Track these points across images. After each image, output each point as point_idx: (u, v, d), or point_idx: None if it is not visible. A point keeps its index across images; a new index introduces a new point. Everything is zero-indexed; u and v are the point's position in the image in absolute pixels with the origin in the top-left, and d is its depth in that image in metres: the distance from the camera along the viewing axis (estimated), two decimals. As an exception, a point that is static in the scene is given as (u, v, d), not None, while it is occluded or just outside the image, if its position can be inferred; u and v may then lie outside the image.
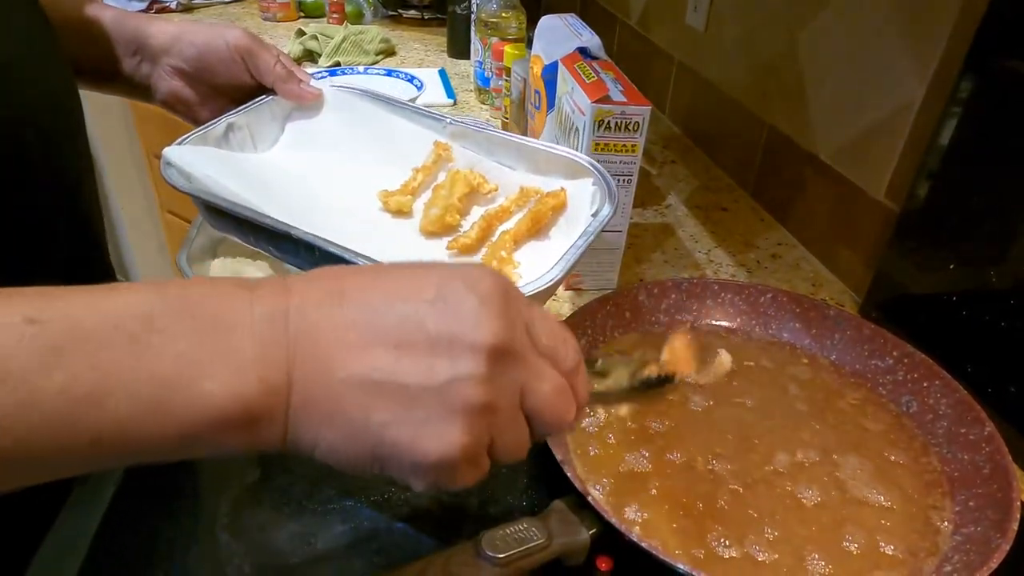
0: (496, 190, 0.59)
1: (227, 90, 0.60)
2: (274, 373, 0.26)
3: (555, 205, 0.54)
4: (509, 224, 0.55)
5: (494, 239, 0.53)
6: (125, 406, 0.23)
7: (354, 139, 0.62)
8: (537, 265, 0.50)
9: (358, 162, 0.61)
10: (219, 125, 0.56)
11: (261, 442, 0.26)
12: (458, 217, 0.56)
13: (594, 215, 0.53)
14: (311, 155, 0.61)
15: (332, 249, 0.44)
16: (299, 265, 0.51)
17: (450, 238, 0.54)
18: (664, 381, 0.48)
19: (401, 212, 0.58)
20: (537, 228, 0.55)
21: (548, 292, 0.45)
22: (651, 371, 0.46)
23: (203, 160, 0.51)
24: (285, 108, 0.62)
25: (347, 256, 0.44)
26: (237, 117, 0.57)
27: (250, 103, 0.59)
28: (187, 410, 0.24)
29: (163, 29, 0.59)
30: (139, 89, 0.60)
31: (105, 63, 0.58)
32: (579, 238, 0.48)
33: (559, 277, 0.45)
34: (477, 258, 0.53)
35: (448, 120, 0.62)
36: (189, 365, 0.24)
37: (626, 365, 0.45)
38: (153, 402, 0.24)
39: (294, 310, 0.27)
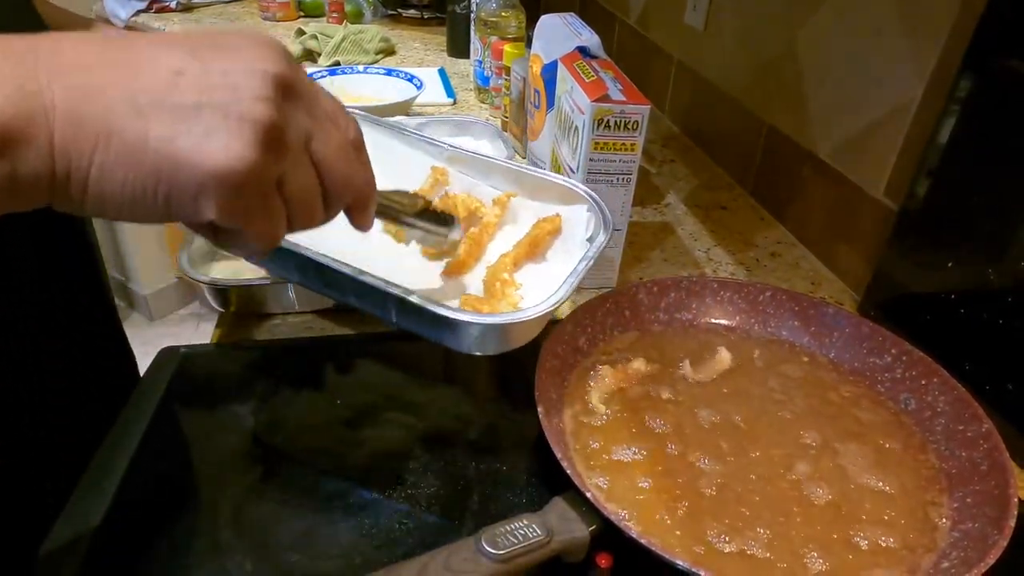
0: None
1: None
2: (24, 95, 0.24)
3: (551, 229, 0.56)
4: (507, 247, 0.56)
5: (493, 262, 0.54)
6: None
7: None
8: (537, 287, 0.52)
9: None
10: None
11: (27, 171, 0.24)
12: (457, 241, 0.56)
13: (589, 239, 0.54)
14: None
15: (343, 269, 0.45)
16: (303, 284, 0.51)
17: (445, 262, 0.55)
18: (445, 218, 0.49)
19: (401, 235, 0.58)
20: (535, 252, 0.56)
21: (550, 314, 0.46)
22: (434, 206, 0.48)
23: None
24: None
25: (356, 276, 0.45)
26: None
27: None
28: None
29: None
30: None
31: None
32: (580, 262, 0.50)
33: (564, 298, 0.46)
34: (476, 279, 0.54)
35: (445, 145, 0.63)
36: None
37: (407, 197, 0.46)
38: None
39: (46, 48, 0.25)
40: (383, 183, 0.60)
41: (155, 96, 0.25)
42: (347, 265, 0.45)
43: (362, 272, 0.45)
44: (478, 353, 0.45)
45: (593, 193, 0.57)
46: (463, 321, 0.43)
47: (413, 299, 0.44)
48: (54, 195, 0.26)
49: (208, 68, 0.26)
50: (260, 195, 0.27)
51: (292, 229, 0.30)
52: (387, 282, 0.45)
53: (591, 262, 0.50)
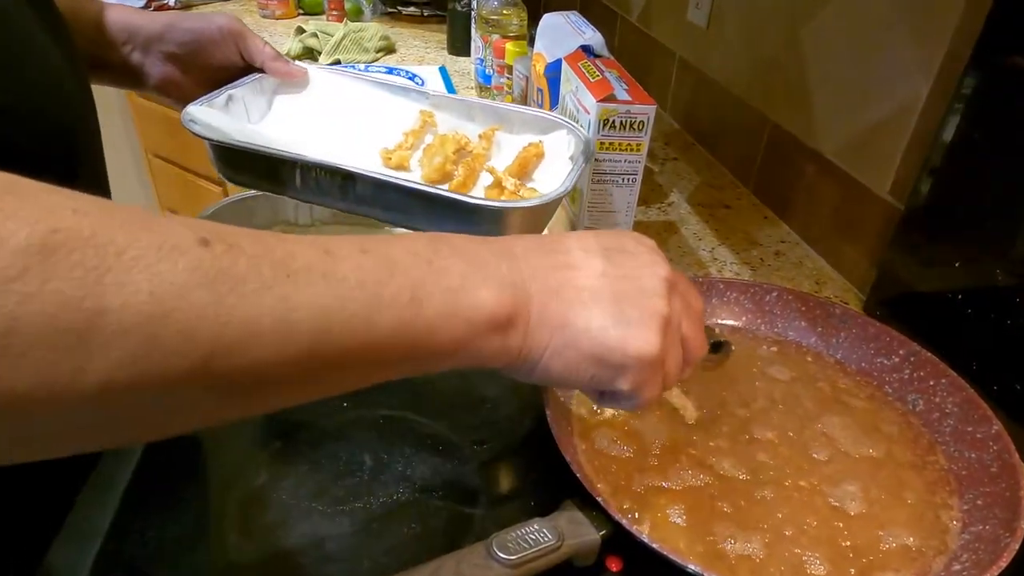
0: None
1: (217, 72, 0.65)
2: (521, 288, 0.32)
3: (536, 153, 0.64)
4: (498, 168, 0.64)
5: (489, 183, 0.62)
6: (433, 309, 0.29)
7: (341, 111, 0.70)
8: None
9: (348, 129, 0.69)
10: (221, 96, 0.61)
11: (508, 346, 0.32)
12: (453, 167, 0.64)
13: (571, 158, 0.61)
14: (304, 124, 0.67)
15: (365, 173, 0.52)
16: (320, 201, 0.57)
17: (446, 185, 0.63)
18: (720, 345, 0.53)
19: (402, 167, 0.65)
20: (524, 172, 0.64)
21: (557, 202, 0.55)
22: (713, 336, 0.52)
23: (216, 119, 0.58)
24: (272, 84, 0.68)
25: (379, 177, 0.52)
26: (235, 90, 0.63)
27: (243, 79, 0.65)
28: (471, 311, 0.30)
29: (153, 18, 0.62)
30: (128, 77, 0.63)
31: (94, 54, 0.59)
32: (573, 168, 0.57)
33: (569, 188, 0.54)
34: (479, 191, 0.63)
35: (429, 92, 0.71)
36: (469, 279, 0.31)
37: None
38: (450, 305, 0.30)
39: (518, 253, 0.34)
40: (383, 132, 0.69)
41: (593, 293, 0.33)
42: (368, 171, 0.53)
43: (394, 177, 0.53)
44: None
45: (566, 119, 0.65)
46: (505, 207, 0.52)
47: (444, 192, 0.52)
48: (511, 365, 0.33)
49: (621, 272, 0.34)
50: (657, 369, 0.34)
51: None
52: (402, 180, 0.52)
53: (584, 162, 0.58)
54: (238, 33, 0.63)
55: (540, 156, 0.64)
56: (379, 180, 0.52)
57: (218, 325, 0.23)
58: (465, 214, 0.52)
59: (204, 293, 0.22)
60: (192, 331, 0.22)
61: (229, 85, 0.63)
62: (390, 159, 0.65)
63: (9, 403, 0.20)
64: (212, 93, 0.61)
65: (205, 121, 0.57)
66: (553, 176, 0.61)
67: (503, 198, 0.59)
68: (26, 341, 0.19)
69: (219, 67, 0.64)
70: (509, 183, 0.60)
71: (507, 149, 0.67)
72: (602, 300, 0.33)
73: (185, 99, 0.64)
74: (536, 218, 0.56)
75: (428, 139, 0.68)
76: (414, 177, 0.64)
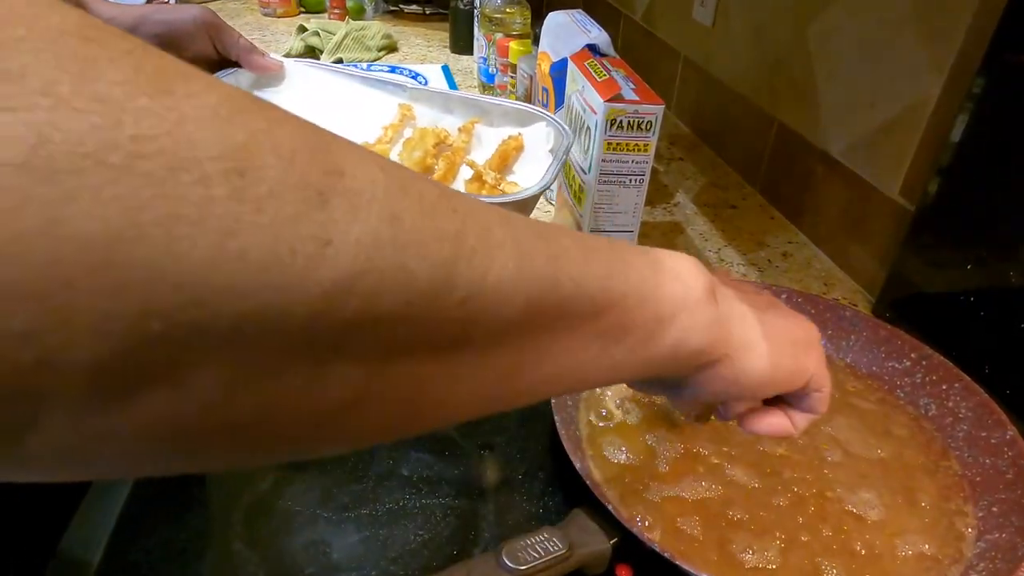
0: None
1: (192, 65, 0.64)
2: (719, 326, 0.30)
3: (516, 146, 0.64)
4: (478, 161, 0.65)
5: (469, 177, 0.62)
6: (639, 260, 0.26)
7: (319, 105, 0.69)
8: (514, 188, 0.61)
9: (327, 124, 0.66)
10: None
11: (720, 317, 0.29)
12: (434, 161, 0.65)
13: (551, 151, 0.61)
14: None
15: None
16: None
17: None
18: None
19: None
20: (503, 165, 0.64)
21: (537, 197, 0.56)
22: None
23: None
24: (248, 79, 0.67)
25: None
26: None
27: (218, 74, 0.64)
28: (675, 267, 0.28)
29: (126, 11, 0.62)
30: None
31: None
32: (553, 162, 0.57)
33: (549, 182, 0.55)
34: (459, 185, 0.64)
35: (407, 86, 0.71)
36: (650, 251, 0.28)
37: None
38: (652, 261, 0.27)
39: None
40: (362, 126, 0.70)
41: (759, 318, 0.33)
42: None
43: None
44: None
45: (546, 112, 0.65)
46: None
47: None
48: (720, 342, 0.30)
49: (783, 321, 0.34)
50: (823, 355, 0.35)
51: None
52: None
53: (564, 157, 0.59)
54: (212, 25, 0.63)
55: (520, 149, 0.64)
56: None
57: (467, 248, 0.19)
58: None
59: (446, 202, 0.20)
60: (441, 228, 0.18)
61: None
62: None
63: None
64: None
65: None
66: (533, 169, 0.61)
67: (484, 192, 0.59)
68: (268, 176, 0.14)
69: (193, 60, 0.62)
70: (489, 176, 0.59)
71: (487, 142, 0.67)
72: (745, 297, 0.33)
73: None
74: (518, 212, 0.57)
75: (407, 132, 0.68)
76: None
